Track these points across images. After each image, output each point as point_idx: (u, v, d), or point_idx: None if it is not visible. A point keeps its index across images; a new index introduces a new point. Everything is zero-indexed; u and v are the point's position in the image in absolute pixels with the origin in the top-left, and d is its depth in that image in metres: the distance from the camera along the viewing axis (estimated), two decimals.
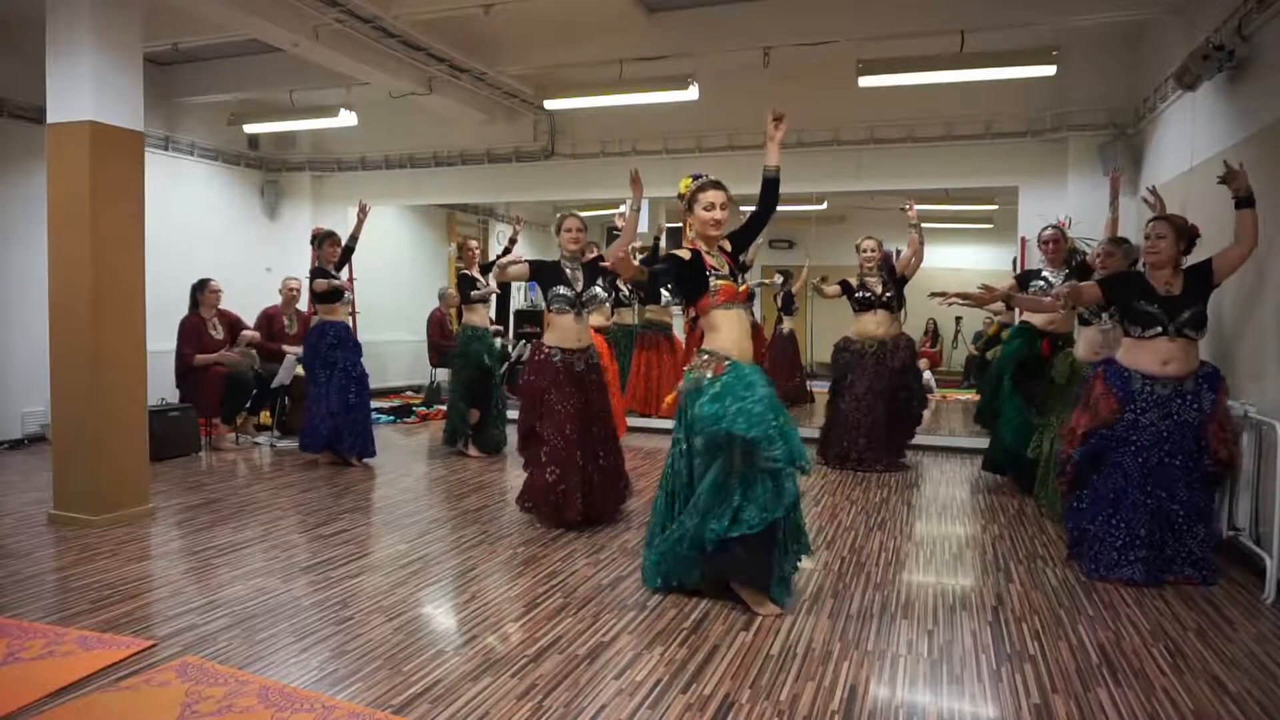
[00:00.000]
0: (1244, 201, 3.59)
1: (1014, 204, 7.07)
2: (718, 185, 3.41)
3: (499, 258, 6.50)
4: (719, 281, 3.35)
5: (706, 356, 3.36)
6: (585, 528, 4.41)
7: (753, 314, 7.80)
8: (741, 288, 3.43)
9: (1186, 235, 3.81)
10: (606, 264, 4.39)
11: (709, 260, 3.39)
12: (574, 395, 4.44)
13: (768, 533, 3.17)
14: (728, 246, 3.49)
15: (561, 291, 4.50)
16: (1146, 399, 3.68)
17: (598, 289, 4.61)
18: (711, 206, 3.38)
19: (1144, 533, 3.61)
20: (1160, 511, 3.63)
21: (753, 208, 3.52)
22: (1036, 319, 5.29)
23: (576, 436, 4.40)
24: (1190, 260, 3.88)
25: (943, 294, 5.13)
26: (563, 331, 4.53)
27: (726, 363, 3.30)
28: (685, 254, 3.36)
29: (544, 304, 4.61)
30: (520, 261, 4.71)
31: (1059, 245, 5.25)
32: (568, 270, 4.55)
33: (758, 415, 3.14)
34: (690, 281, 3.37)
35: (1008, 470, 5.54)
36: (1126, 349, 3.81)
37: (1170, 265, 3.75)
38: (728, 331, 3.37)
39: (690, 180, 3.44)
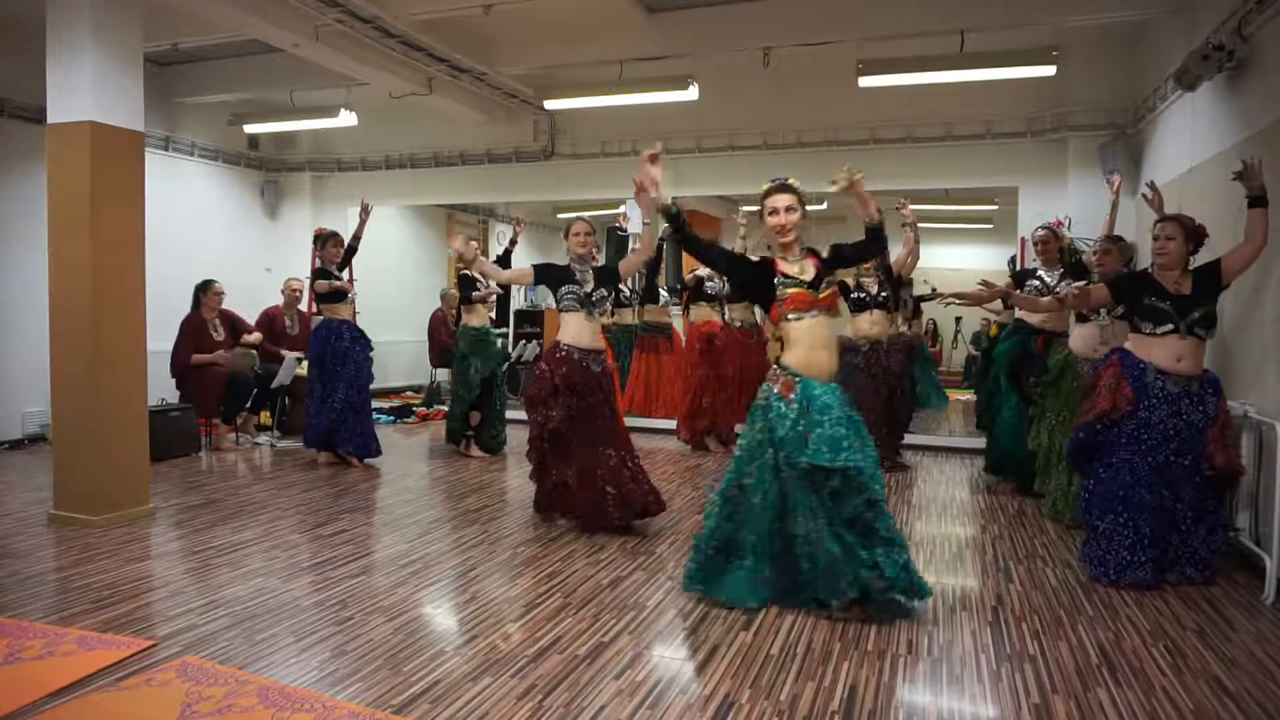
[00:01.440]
0: (1257, 200, 3.56)
1: (1014, 204, 7.07)
2: (784, 188, 3.27)
3: (497, 261, 6.53)
4: (790, 289, 3.21)
5: (777, 370, 3.25)
6: (585, 530, 4.41)
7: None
8: (823, 293, 3.24)
9: (1195, 236, 3.80)
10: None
11: (782, 266, 3.26)
12: (594, 395, 4.43)
13: None
14: (823, 252, 3.34)
15: (572, 289, 4.45)
16: (1158, 394, 3.66)
17: (605, 293, 4.58)
18: (775, 211, 3.25)
19: (1150, 532, 3.60)
20: (1165, 511, 3.63)
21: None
22: (1032, 317, 5.29)
23: (605, 437, 4.42)
24: (1196, 261, 3.87)
25: (940, 295, 5.13)
26: (576, 330, 4.45)
27: (797, 380, 3.19)
28: (754, 257, 3.28)
29: (555, 304, 4.59)
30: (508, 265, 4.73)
31: (1049, 245, 5.27)
32: (577, 271, 4.51)
33: (839, 439, 3.07)
34: (756, 287, 3.26)
35: (1006, 472, 5.52)
36: (1137, 344, 3.78)
37: (1179, 266, 3.74)
38: (797, 345, 3.24)
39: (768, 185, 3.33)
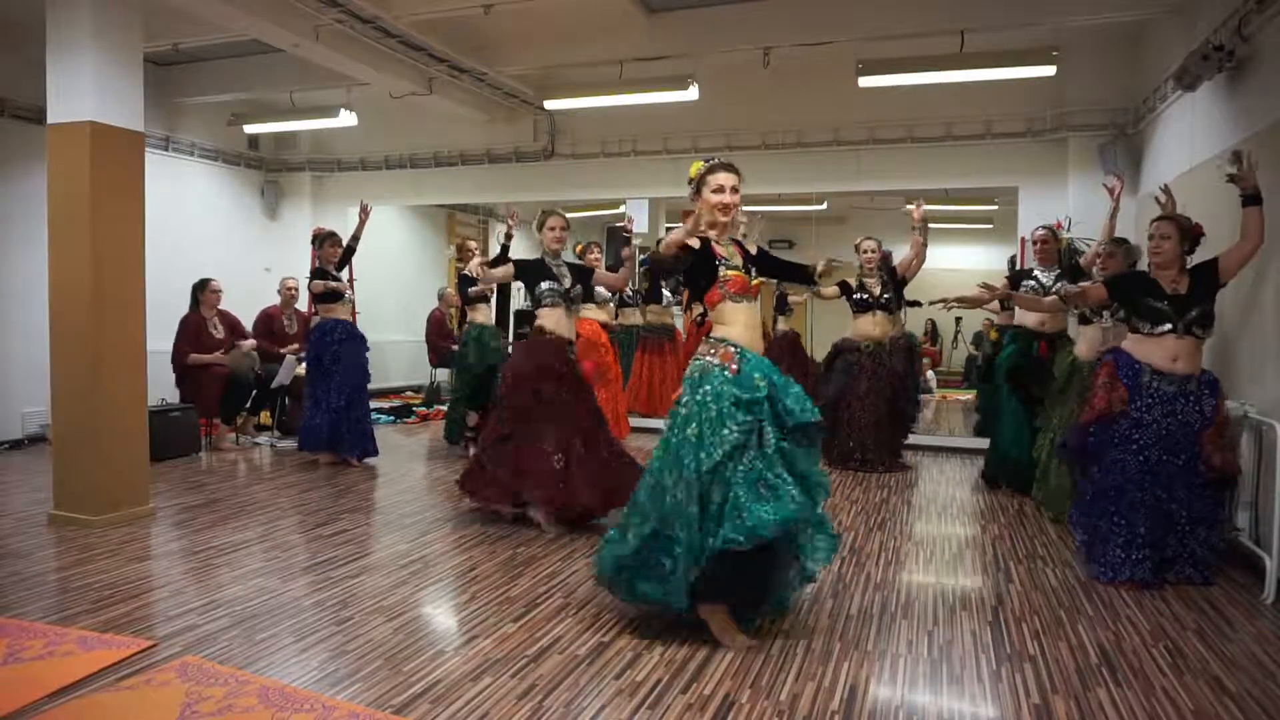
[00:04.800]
0: (1251, 199, 3.56)
1: (1014, 204, 7.07)
2: (729, 167, 3.18)
3: (495, 259, 6.51)
4: (730, 271, 3.12)
5: (714, 342, 3.11)
6: (585, 530, 4.42)
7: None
8: (754, 282, 3.20)
9: (1191, 235, 3.80)
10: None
11: (718, 249, 3.15)
12: (569, 383, 4.48)
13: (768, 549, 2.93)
14: (751, 248, 3.30)
15: (551, 286, 4.53)
16: (1153, 394, 3.67)
17: (581, 288, 4.65)
18: (721, 189, 3.13)
19: (1145, 531, 3.60)
20: (1160, 511, 3.63)
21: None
22: (1029, 320, 5.30)
23: (585, 425, 4.45)
24: (1194, 260, 3.87)
25: (943, 300, 5.14)
26: (556, 322, 4.55)
27: (734, 350, 3.05)
28: (694, 242, 3.10)
29: (532, 300, 4.63)
30: (505, 263, 4.81)
31: (1048, 245, 5.27)
32: (553, 267, 4.59)
33: (807, 399, 3.02)
34: (698, 271, 3.13)
35: (1005, 481, 5.50)
36: (1134, 344, 3.79)
37: (1175, 265, 3.74)
38: (737, 324, 3.12)
39: (701, 164, 3.22)
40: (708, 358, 3.08)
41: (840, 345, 6.28)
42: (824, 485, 3.06)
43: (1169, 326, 3.67)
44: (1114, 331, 4.44)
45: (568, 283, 4.57)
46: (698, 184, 3.19)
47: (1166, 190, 4.41)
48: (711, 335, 3.15)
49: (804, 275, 3.46)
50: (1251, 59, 4.18)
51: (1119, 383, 3.73)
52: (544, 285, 4.53)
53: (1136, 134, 6.19)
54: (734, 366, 3.02)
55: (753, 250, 3.33)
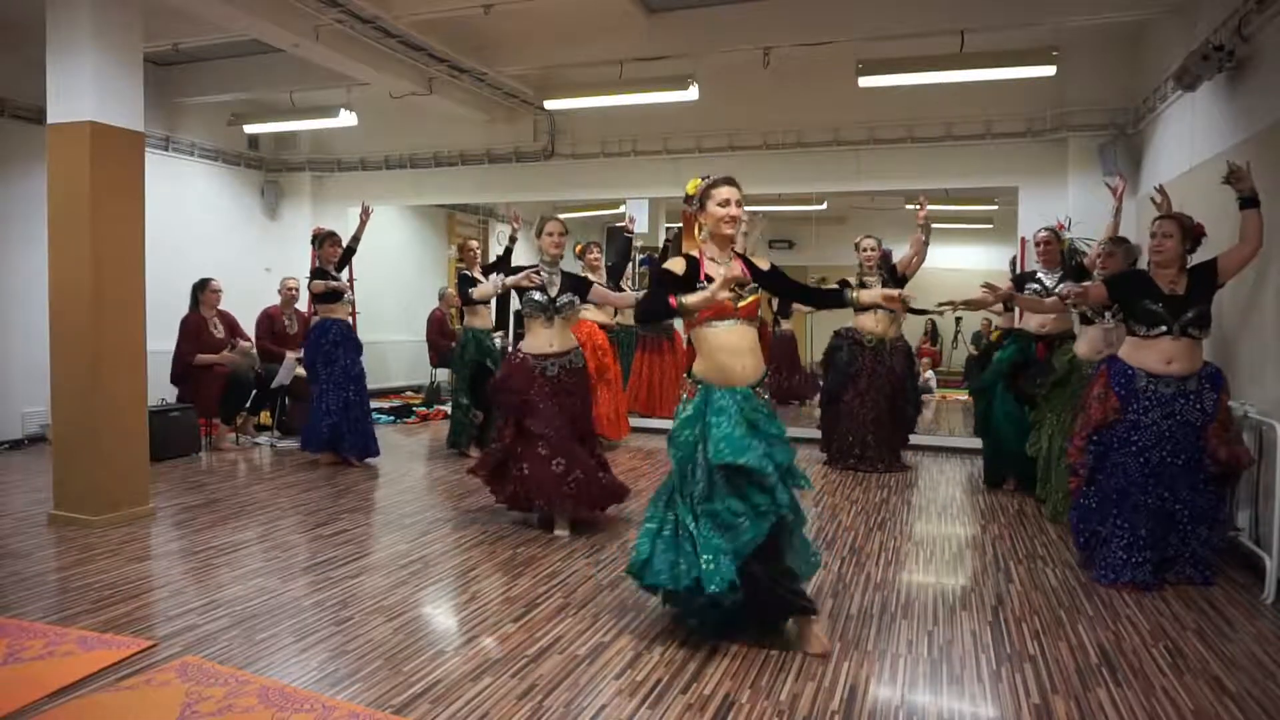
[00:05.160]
0: (1249, 202, 3.57)
1: (1014, 204, 7.07)
2: (731, 182, 3.18)
3: (499, 260, 6.51)
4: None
5: (684, 379, 3.21)
6: (586, 529, 4.42)
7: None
8: (742, 303, 3.10)
9: (1192, 235, 3.80)
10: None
11: (709, 269, 3.13)
12: (551, 397, 4.43)
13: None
14: (764, 264, 3.24)
15: (535, 297, 4.46)
16: (1150, 398, 3.67)
17: (573, 298, 4.55)
18: (726, 203, 3.11)
19: (1146, 534, 3.60)
20: (1163, 512, 3.62)
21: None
22: (1030, 323, 5.30)
23: (567, 431, 4.43)
24: (1194, 260, 3.87)
25: (950, 303, 5.13)
26: (535, 337, 4.49)
27: (698, 387, 3.08)
28: (679, 265, 3.12)
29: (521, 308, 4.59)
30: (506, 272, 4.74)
31: (1050, 246, 5.26)
32: (545, 273, 4.51)
33: (736, 440, 2.94)
34: (680, 291, 3.08)
35: (1011, 476, 5.51)
36: (1130, 348, 3.80)
37: (1176, 265, 3.74)
38: (708, 351, 3.11)
39: (699, 180, 3.21)
40: (680, 391, 3.21)
41: (842, 334, 6.24)
42: (794, 479, 3.04)
43: (1164, 329, 3.67)
44: (1116, 333, 4.44)
45: (554, 291, 4.49)
46: (701, 199, 3.19)
47: (1162, 191, 4.41)
48: (689, 368, 3.21)
49: (830, 300, 3.44)
50: (1251, 59, 4.18)
51: (1112, 393, 3.74)
52: (530, 295, 4.46)
53: (1136, 134, 6.19)
54: (689, 410, 3.10)
55: (764, 266, 3.23)
